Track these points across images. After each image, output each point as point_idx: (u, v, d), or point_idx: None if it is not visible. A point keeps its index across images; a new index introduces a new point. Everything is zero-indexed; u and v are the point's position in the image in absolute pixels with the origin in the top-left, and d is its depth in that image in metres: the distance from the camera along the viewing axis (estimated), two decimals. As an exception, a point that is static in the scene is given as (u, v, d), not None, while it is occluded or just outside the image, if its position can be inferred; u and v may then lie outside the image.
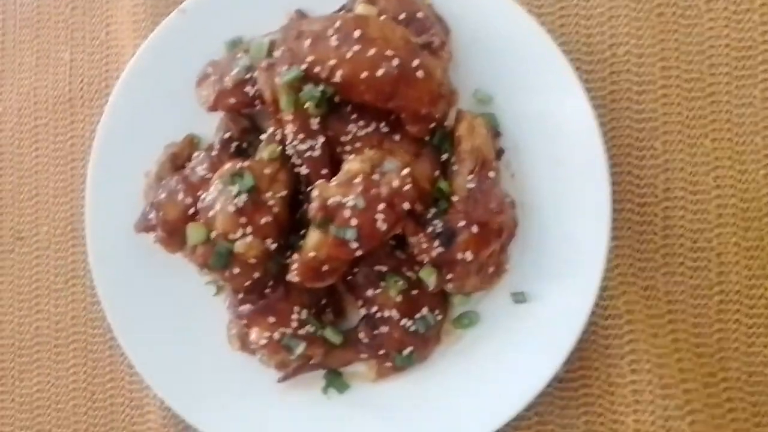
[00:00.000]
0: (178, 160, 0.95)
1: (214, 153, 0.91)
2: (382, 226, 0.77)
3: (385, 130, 0.84)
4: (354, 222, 0.76)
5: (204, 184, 0.88)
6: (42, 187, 1.07)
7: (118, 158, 0.96)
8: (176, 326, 0.93)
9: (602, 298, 0.87)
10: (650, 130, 0.90)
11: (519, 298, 0.86)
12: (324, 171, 0.83)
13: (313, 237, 0.81)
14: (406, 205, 0.78)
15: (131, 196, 0.95)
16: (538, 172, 0.87)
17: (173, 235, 0.88)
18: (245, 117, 0.94)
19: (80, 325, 1.04)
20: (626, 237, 0.90)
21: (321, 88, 0.79)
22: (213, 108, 0.92)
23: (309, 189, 0.86)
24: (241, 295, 0.86)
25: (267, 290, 0.85)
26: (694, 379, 0.86)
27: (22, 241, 1.07)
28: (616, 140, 0.91)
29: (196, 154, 0.93)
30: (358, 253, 0.80)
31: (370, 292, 0.85)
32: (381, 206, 0.77)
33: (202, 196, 0.86)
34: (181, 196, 0.89)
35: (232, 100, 0.89)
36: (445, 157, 0.85)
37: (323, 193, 0.78)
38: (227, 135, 0.93)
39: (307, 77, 0.80)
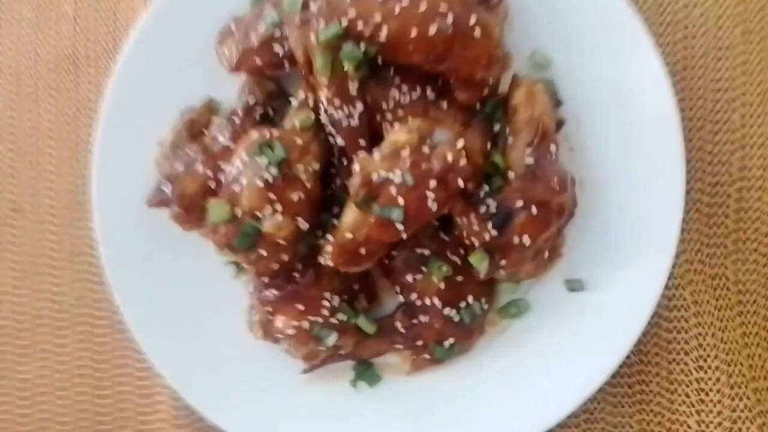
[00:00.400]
0: (195, 128, 0.86)
1: (236, 120, 0.83)
2: (432, 205, 0.71)
3: (431, 96, 0.77)
4: (401, 201, 0.69)
5: (226, 155, 0.80)
6: (43, 155, 0.98)
7: (129, 125, 0.87)
8: (191, 310, 0.86)
9: (667, 287, 0.80)
10: (727, 102, 0.82)
11: (575, 285, 0.80)
12: (362, 142, 0.76)
13: (350, 216, 0.73)
14: (461, 183, 0.71)
15: (143, 167, 0.86)
16: (601, 146, 0.80)
17: (191, 211, 0.80)
18: (271, 80, 0.86)
19: (84, 307, 0.96)
20: (695, 220, 0.82)
21: (363, 47, 0.72)
22: (236, 69, 0.83)
23: (343, 162, 0.79)
24: (266, 279, 0.80)
25: (295, 274, 0.78)
26: (766, 377, 0.78)
27: (20, 214, 0.98)
28: (688, 112, 0.83)
29: (216, 120, 0.84)
30: (404, 235, 0.72)
31: (409, 278, 0.78)
32: (432, 183, 0.70)
33: (226, 169, 0.77)
34: (200, 167, 0.80)
35: (258, 61, 0.81)
36: (497, 128, 0.78)
37: (366, 166, 0.70)
38: (251, 100, 0.84)
39: (348, 35, 0.72)
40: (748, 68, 0.81)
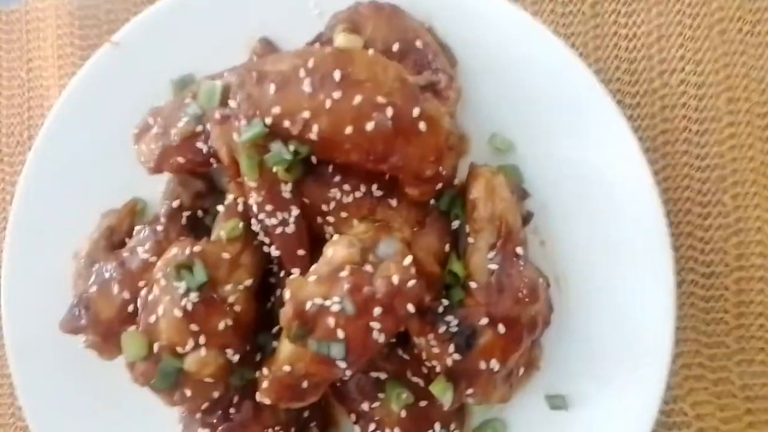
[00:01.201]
0: (115, 236, 0.77)
1: (159, 228, 0.74)
2: (378, 336, 0.62)
3: (377, 193, 0.69)
4: (341, 334, 0.61)
5: (146, 271, 0.70)
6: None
7: (42, 233, 0.79)
8: None
9: (664, 400, 0.70)
10: (716, 181, 0.72)
11: (557, 402, 0.72)
12: (300, 251, 0.68)
13: (286, 349, 0.64)
14: (410, 308, 0.62)
15: (58, 282, 0.77)
16: (575, 238, 0.73)
17: (108, 339, 0.71)
18: (200, 177, 0.77)
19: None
20: (690, 316, 0.73)
21: (292, 147, 0.64)
22: (156, 170, 0.74)
23: (281, 274, 0.69)
24: (198, 415, 0.70)
25: (231, 410, 0.70)
26: (783, 497, 0.67)
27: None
28: (672, 193, 0.74)
29: (137, 228, 0.75)
30: (348, 372, 0.61)
31: (365, 406, 0.70)
32: (377, 311, 0.61)
33: (143, 294, 0.67)
34: (116, 288, 0.71)
35: (180, 160, 0.72)
36: (456, 224, 0.70)
37: (297, 293, 0.61)
38: (176, 203, 0.75)
39: (274, 134, 0.64)
40: (738, 142, 0.72)
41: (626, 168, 0.69)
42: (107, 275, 0.71)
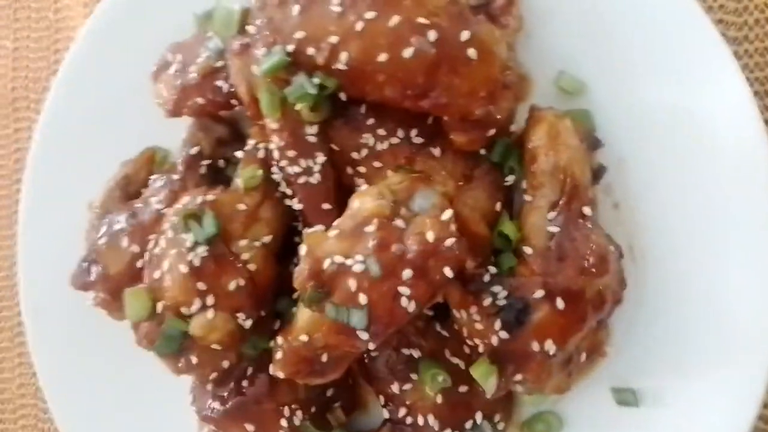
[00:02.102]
0: (131, 186, 0.73)
1: (176, 177, 0.69)
2: (408, 305, 0.53)
3: (418, 140, 0.62)
4: (363, 299, 0.53)
5: (159, 225, 0.65)
6: (-19, 219, 0.89)
7: (59, 182, 0.76)
8: (133, 414, 0.74)
9: (765, 404, 0.61)
10: None
11: (626, 397, 0.63)
12: (326, 206, 0.61)
13: (303, 316, 0.57)
14: (448, 272, 0.53)
15: (75, 234, 0.73)
16: (658, 201, 0.63)
17: (118, 297, 0.66)
18: (224, 123, 0.72)
19: (29, 396, 0.84)
20: None
21: (318, 80, 0.57)
22: (175, 112, 0.69)
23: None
24: (209, 387, 0.65)
25: (244, 382, 0.64)
26: None
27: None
28: (785, 149, 0.60)
29: (153, 177, 0.71)
30: (371, 345, 0.55)
31: (395, 387, 0.63)
32: (407, 273, 0.53)
33: (150, 246, 0.63)
34: (125, 241, 0.67)
35: (201, 100, 0.67)
36: (510, 181, 0.63)
37: (316, 248, 0.55)
38: (195, 150, 0.70)
39: (297, 64, 0.58)
40: None
41: (730, 117, 0.60)
42: (118, 227, 0.67)
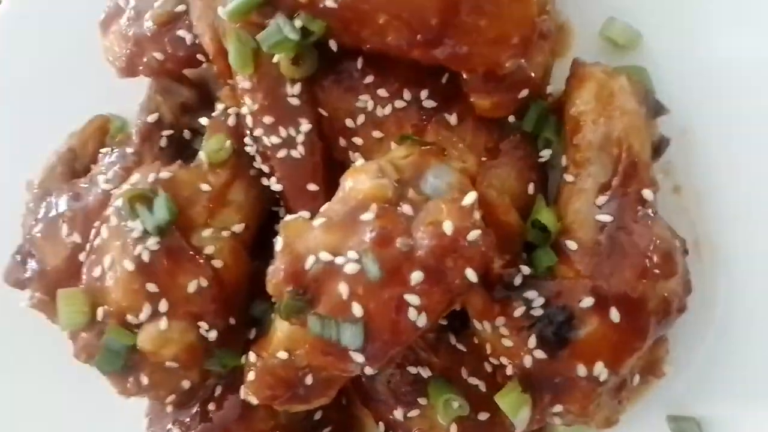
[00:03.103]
0: (78, 162, 0.64)
1: (130, 150, 0.59)
2: (417, 318, 0.42)
3: (429, 104, 0.51)
4: (358, 310, 0.42)
5: (105, 208, 0.53)
6: None
7: None
8: None
9: None
10: None
11: (686, 427, 0.52)
12: (312, 187, 0.51)
13: (282, 327, 0.46)
14: (471, 275, 0.41)
15: (10, 219, 0.62)
16: (731, 186, 0.52)
17: (54, 295, 0.54)
18: (188, 84, 0.61)
19: None
20: None
21: (300, 22, 0.47)
22: (128, 70, 0.59)
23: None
24: (169, 410, 0.54)
25: (210, 405, 0.53)
26: None
27: None
28: None
29: (104, 151, 0.61)
30: (368, 370, 0.43)
31: (398, 414, 0.53)
32: (416, 276, 0.43)
33: (92, 236, 0.52)
34: (65, 229, 0.56)
35: (158, 56, 0.58)
36: (548, 155, 0.52)
37: (295, 243, 0.45)
38: (152, 117, 0.59)
39: (274, 3, 0.48)
40: None
41: None
42: (57, 211, 0.56)
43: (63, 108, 0.64)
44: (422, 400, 0.52)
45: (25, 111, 0.65)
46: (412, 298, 0.43)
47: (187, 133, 0.60)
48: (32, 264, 0.59)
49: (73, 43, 0.63)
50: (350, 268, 0.43)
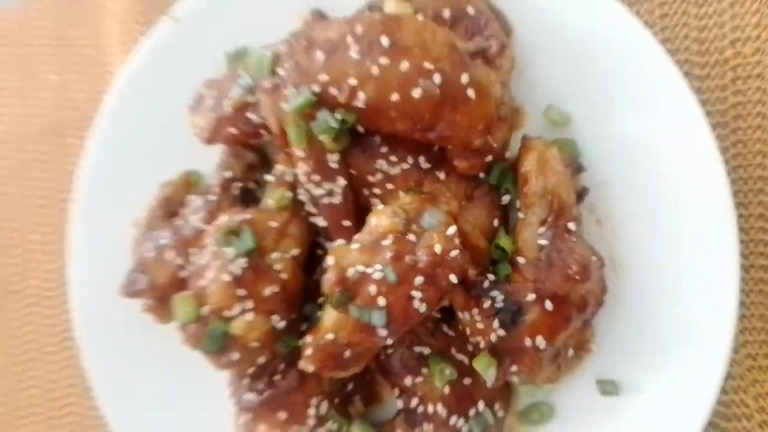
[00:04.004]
0: (171, 206, 0.79)
1: (212, 197, 0.75)
2: (419, 306, 0.61)
3: (425, 166, 0.69)
4: (382, 301, 0.61)
5: (199, 239, 0.72)
6: (30, 233, 0.93)
7: (106, 203, 0.82)
8: (176, 406, 0.80)
9: (725, 390, 0.69)
10: (793, 158, 0.66)
11: (608, 388, 0.70)
12: (346, 222, 0.69)
13: (330, 317, 0.64)
14: (453, 278, 0.61)
15: (121, 250, 0.79)
16: (635, 218, 0.70)
17: (164, 303, 0.73)
18: (253, 150, 0.79)
19: (76, 396, 0.90)
20: (757, 304, 0.70)
21: (339, 116, 0.65)
22: (210, 140, 0.75)
23: (328, 246, 0.69)
24: (246, 380, 0.71)
25: (277, 376, 0.70)
26: None
27: (12, 295, 0.93)
28: (743, 172, 0.71)
29: (191, 198, 0.77)
30: (389, 340, 0.63)
31: (408, 381, 0.70)
32: (418, 280, 0.61)
33: (194, 258, 0.70)
34: (170, 254, 0.73)
35: (233, 130, 0.74)
36: (506, 200, 0.70)
37: (341, 260, 0.62)
38: (228, 174, 0.76)
39: (321, 102, 0.65)
40: (820, 115, 0.66)
41: (692, 145, 0.67)
42: (162, 242, 0.74)
43: (160, 164, 0.79)
44: (424, 370, 0.68)
45: (132, 164, 0.80)
46: (417, 294, 0.60)
47: (252, 185, 0.77)
48: (144, 280, 0.73)
49: (171, 119, 0.78)
50: (377, 276, 0.60)
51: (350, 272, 0.61)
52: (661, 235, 0.68)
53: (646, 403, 0.67)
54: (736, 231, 0.63)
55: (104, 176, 0.82)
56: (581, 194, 0.69)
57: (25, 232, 0.93)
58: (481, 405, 0.68)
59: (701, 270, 0.66)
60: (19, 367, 0.92)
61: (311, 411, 0.69)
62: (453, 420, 0.67)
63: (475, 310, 0.63)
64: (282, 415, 0.69)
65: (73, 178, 0.91)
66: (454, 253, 0.60)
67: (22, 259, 0.93)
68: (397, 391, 0.71)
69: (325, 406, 0.70)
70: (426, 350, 0.69)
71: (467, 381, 0.68)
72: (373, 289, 0.60)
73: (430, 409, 0.68)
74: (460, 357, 0.68)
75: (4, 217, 0.94)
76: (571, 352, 0.66)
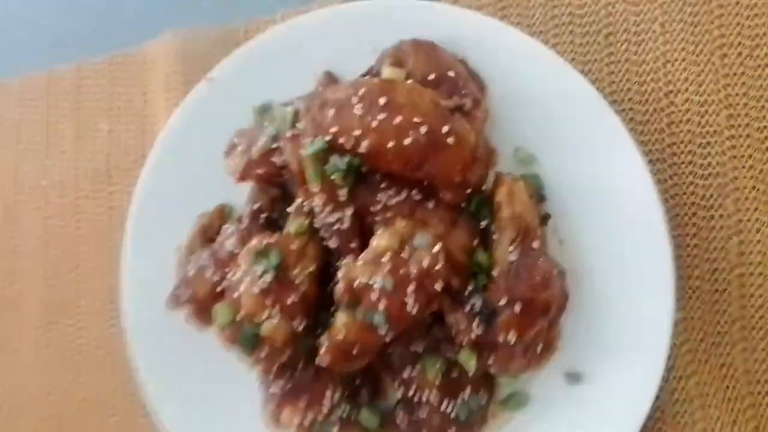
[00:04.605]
0: (208, 233, 0.91)
1: (242, 226, 0.87)
2: (412, 309, 0.72)
3: (417, 197, 0.79)
4: (382, 305, 0.71)
5: (233, 260, 0.84)
6: (83, 260, 1.06)
7: (153, 231, 0.94)
8: (213, 400, 0.88)
9: (669, 379, 0.79)
10: (718, 187, 0.80)
11: (573, 378, 0.80)
12: (353, 244, 0.79)
13: (341, 319, 0.76)
14: (438, 286, 0.73)
15: (166, 270, 0.92)
16: (589, 238, 0.81)
17: (203, 313, 0.84)
18: (276, 186, 0.90)
19: (120, 398, 1.02)
20: (697, 308, 0.80)
21: (347, 159, 0.75)
22: (241, 179, 0.88)
23: (339, 263, 0.81)
24: (271, 375, 0.84)
25: (297, 371, 0.80)
26: (782, 473, 0.74)
27: (65, 312, 1.07)
28: (680, 199, 0.82)
29: (225, 226, 0.90)
30: (388, 338, 0.74)
31: (406, 374, 0.79)
32: (410, 287, 0.71)
33: (229, 275, 0.82)
34: (209, 272, 0.85)
35: (260, 171, 0.85)
36: (484, 224, 0.80)
37: (349, 273, 0.74)
38: (256, 206, 0.88)
39: (332, 148, 0.76)
40: (737, 153, 0.80)
41: (632, 178, 0.78)
42: (202, 263, 0.86)
43: (199, 199, 0.91)
44: (419, 365, 0.77)
45: (175, 199, 0.91)
46: (410, 299, 0.70)
47: (275, 215, 0.87)
48: (186, 294, 0.85)
49: (209, 162, 0.90)
50: (377, 285, 0.70)
51: (356, 283, 0.73)
52: (610, 251, 0.79)
53: (604, 391, 0.78)
54: (670, 248, 0.76)
55: (151, 210, 0.93)
56: (544, 219, 0.81)
57: (78, 258, 1.06)
58: (467, 393, 0.77)
59: (643, 280, 0.78)
60: (71, 374, 1.05)
61: (326, 400, 0.78)
62: (444, 405, 0.78)
63: (459, 314, 0.75)
64: (302, 402, 0.79)
65: (119, 213, 1.06)
66: (439, 266, 0.73)
67: (76, 281, 1.06)
68: (396, 384, 0.81)
69: (337, 396, 0.80)
70: (420, 348, 0.78)
71: (455, 373, 0.78)
72: (374, 295, 0.70)
73: (425, 396, 0.77)
74: (449, 354, 0.79)
75: (60, 246, 1.07)
76: (540, 347, 0.78)
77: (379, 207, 0.78)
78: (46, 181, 1.09)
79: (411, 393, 0.79)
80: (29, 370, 1.05)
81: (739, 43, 0.81)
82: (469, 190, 0.77)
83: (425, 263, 0.72)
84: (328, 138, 0.75)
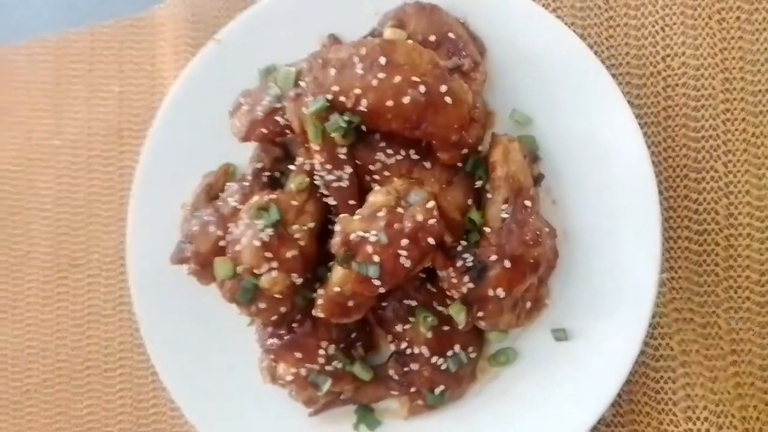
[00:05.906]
0: (212, 191, 0.93)
1: (246, 183, 0.88)
2: (405, 262, 0.74)
3: (415, 157, 0.81)
4: (376, 258, 0.73)
5: (235, 216, 0.86)
6: (94, 216, 1.10)
7: (159, 189, 0.96)
8: (212, 355, 0.93)
9: (654, 336, 0.81)
10: (710, 150, 0.82)
11: (560, 335, 0.82)
12: (352, 201, 0.81)
13: (337, 272, 0.78)
14: (431, 241, 0.75)
15: (171, 227, 0.93)
16: (581, 198, 0.82)
17: (205, 268, 0.85)
18: (279, 146, 0.93)
19: (127, 351, 1.05)
20: (683, 268, 0.82)
21: (347, 117, 0.77)
22: (245, 138, 0.90)
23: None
24: (269, 329, 0.84)
25: (294, 324, 0.83)
26: (760, 429, 0.77)
27: (76, 268, 1.10)
28: (672, 161, 0.83)
29: (228, 184, 0.90)
30: (382, 290, 0.76)
31: (399, 327, 0.82)
32: (404, 242, 0.73)
33: (230, 230, 0.84)
34: (212, 228, 0.87)
35: (264, 130, 0.86)
36: (479, 184, 0.82)
37: (345, 227, 0.76)
38: (259, 165, 0.91)
39: (333, 107, 0.77)
40: (730, 116, 0.81)
41: (625, 140, 0.79)
42: (205, 219, 0.87)
43: (204, 158, 0.93)
44: (412, 319, 0.80)
45: (180, 158, 0.94)
46: (403, 252, 0.72)
47: (277, 174, 0.90)
48: (190, 249, 0.87)
49: (214, 121, 0.92)
50: (372, 239, 0.72)
51: (352, 236, 0.74)
52: (601, 211, 0.81)
53: (590, 346, 0.80)
54: (659, 208, 0.77)
55: (157, 168, 0.96)
56: (538, 179, 0.82)
57: (88, 215, 1.10)
58: (457, 347, 0.80)
59: (632, 239, 0.79)
60: (80, 328, 1.08)
61: (321, 352, 0.81)
62: (434, 359, 0.81)
63: (451, 269, 0.76)
64: (298, 355, 0.81)
65: (129, 172, 1.09)
66: (432, 221, 0.74)
67: (86, 237, 1.09)
68: (390, 338, 0.83)
69: (332, 349, 0.82)
70: (413, 303, 0.81)
71: (446, 328, 0.80)
72: (369, 249, 0.73)
73: (416, 350, 0.80)
74: (440, 308, 0.81)
75: (72, 204, 1.11)
76: (529, 304, 0.80)
77: (378, 166, 0.80)
78: (58, 140, 1.13)
79: (403, 346, 0.82)
80: (39, 324, 1.09)
81: (738, 7, 0.82)
82: (465, 151, 0.79)
83: (419, 218, 0.74)
84: (329, 97, 0.77)
